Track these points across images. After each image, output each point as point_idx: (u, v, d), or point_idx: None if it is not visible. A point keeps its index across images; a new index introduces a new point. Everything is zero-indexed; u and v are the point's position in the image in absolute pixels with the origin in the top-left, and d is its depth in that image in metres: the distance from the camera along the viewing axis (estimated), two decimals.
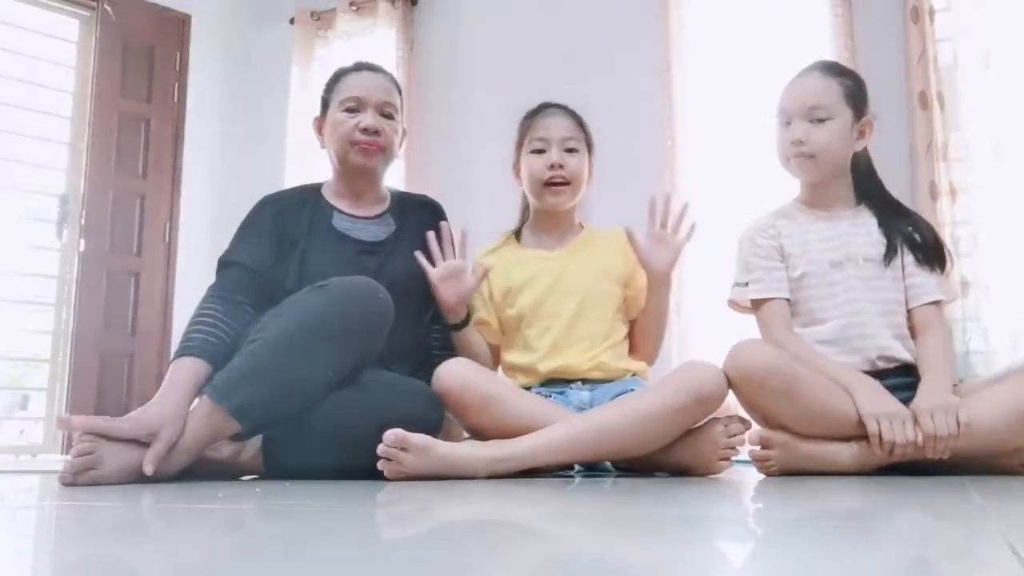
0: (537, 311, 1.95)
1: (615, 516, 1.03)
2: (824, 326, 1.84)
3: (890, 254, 1.85)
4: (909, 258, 1.86)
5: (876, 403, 1.66)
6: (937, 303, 1.85)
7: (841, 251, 1.87)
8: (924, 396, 1.67)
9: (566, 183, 1.94)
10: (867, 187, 1.95)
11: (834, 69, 1.93)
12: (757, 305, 1.91)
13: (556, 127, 1.96)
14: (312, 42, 4.17)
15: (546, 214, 2.01)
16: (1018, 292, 2.71)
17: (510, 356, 2.01)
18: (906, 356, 1.81)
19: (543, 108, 2.02)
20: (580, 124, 2.00)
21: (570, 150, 1.95)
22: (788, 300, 1.89)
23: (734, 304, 1.98)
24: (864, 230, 1.89)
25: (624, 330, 2.00)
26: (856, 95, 1.89)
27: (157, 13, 4.16)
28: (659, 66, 3.33)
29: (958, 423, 1.59)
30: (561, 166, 1.93)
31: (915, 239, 1.87)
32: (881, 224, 1.89)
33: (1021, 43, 2.81)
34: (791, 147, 1.87)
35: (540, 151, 1.95)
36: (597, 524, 0.96)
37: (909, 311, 1.85)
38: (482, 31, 3.88)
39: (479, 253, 2.06)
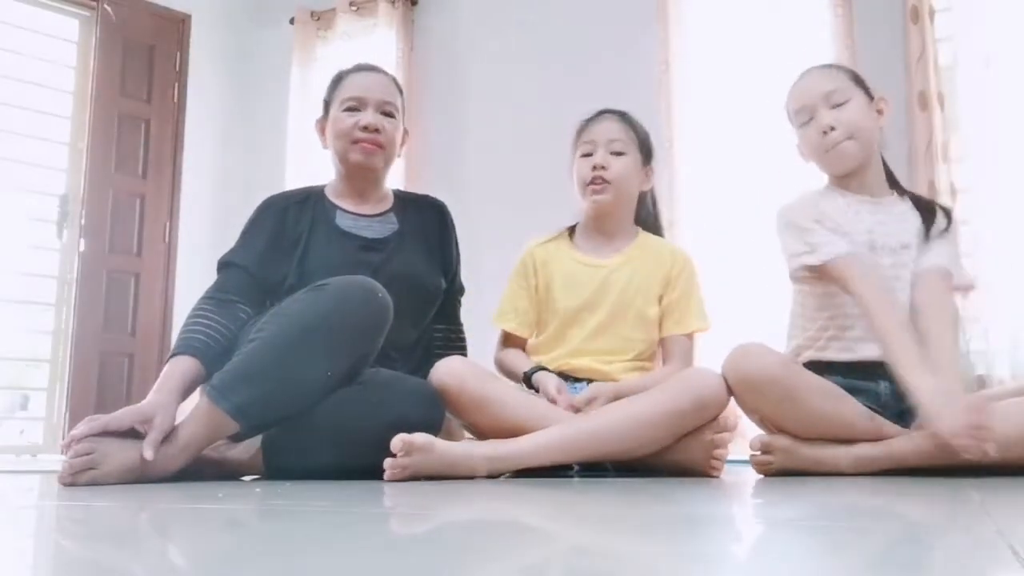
0: (570, 317, 1.96)
1: (614, 515, 1.03)
2: (845, 307, 1.81)
3: (928, 236, 1.83)
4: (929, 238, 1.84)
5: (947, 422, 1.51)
6: (946, 274, 1.80)
7: (882, 237, 1.84)
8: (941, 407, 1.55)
9: (606, 183, 1.95)
10: (895, 180, 1.94)
11: (830, 64, 1.94)
12: (826, 268, 1.77)
13: (604, 130, 1.99)
14: (312, 42, 4.17)
15: (594, 216, 2.02)
16: (1018, 292, 2.71)
17: (534, 343, 2.02)
18: None
19: (598, 114, 2.04)
20: (632, 127, 2.01)
21: (616, 153, 1.96)
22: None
23: (795, 277, 1.87)
24: (901, 218, 1.87)
25: (645, 347, 1.97)
26: (859, 79, 1.90)
27: (157, 13, 4.17)
28: (658, 66, 3.33)
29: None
30: (603, 167, 1.95)
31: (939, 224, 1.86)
32: (919, 211, 1.87)
33: (1021, 43, 2.81)
34: (822, 138, 1.83)
35: (588, 154, 1.98)
36: (596, 523, 0.96)
37: (913, 281, 1.80)
38: (482, 31, 3.88)
39: (533, 242, 2.07)
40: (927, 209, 1.89)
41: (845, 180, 1.89)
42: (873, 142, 1.88)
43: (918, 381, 1.59)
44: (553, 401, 1.77)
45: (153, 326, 4.00)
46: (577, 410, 1.76)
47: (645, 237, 2.05)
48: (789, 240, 1.87)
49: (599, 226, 2.04)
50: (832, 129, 1.82)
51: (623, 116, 2.02)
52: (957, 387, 1.63)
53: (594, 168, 1.95)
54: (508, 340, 2.04)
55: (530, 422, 1.67)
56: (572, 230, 2.09)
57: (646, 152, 2.02)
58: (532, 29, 3.74)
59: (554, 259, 2.02)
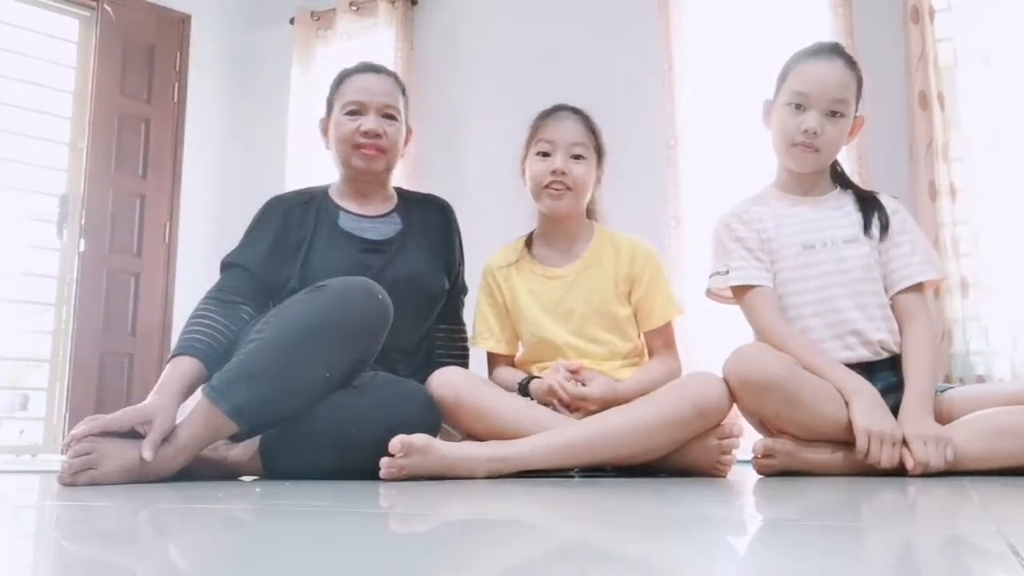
0: (539, 334, 1.93)
1: (613, 514, 1.03)
2: (798, 310, 1.84)
3: (868, 227, 1.85)
4: (887, 236, 1.85)
5: (872, 419, 1.63)
6: (918, 286, 1.83)
7: (818, 234, 1.86)
8: (912, 417, 1.65)
9: (567, 188, 1.88)
10: (839, 174, 1.96)
11: (850, 59, 1.88)
12: (740, 293, 1.87)
13: (565, 131, 1.90)
14: (312, 42, 4.17)
15: (550, 218, 1.96)
16: (1018, 292, 2.71)
17: (518, 359, 2.01)
18: (879, 337, 1.80)
19: (555, 110, 1.95)
20: (591, 130, 1.93)
21: (577, 156, 1.89)
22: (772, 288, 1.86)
23: (713, 294, 1.96)
24: (843, 212, 1.89)
25: (630, 345, 1.95)
26: (860, 90, 1.88)
27: (157, 13, 4.17)
28: (661, 66, 3.33)
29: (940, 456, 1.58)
30: (563, 172, 1.87)
31: (890, 218, 1.87)
32: (859, 204, 1.89)
33: (1021, 43, 2.81)
34: (801, 135, 1.82)
35: (546, 154, 1.90)
36: (595, 522, 0.96)
37: (892, 299, 1.83)
38: (482, 31, 3.89)
39: (495, 259, 2.02)
40: (868, 205, 1.88)
41: (793, 178, 1.92)
42: (834, 156, 1.91)
43: (848, 380, 1.70)
44: (552, 399, 1.76)
45: (153, 326, 4.00)
46: (573, 408, 1.76)
47: (602, 234, 1.99)
48: (712, 257, 1.95)
49: (556, 228, 1.97)
50: (815, 135, 1.81)
51: (582, 116, 1.95)
52: (923, 400, 1.70)
53: (553, 172, 1.87)
54: (495, 358, 2.01)
55: (529, 430, 1.66)
56: (529, 239, 2.02)
57: (600, 153, 1.95)
58: (533, 29, 3.74)
59: (515, 275, 1.98)
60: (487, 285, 2.01)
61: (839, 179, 1.96)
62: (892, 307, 1.84)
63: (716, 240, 1.95)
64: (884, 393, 1.72)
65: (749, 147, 3.13)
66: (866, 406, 1.65)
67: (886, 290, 1.85)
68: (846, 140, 1.90)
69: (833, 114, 1.82)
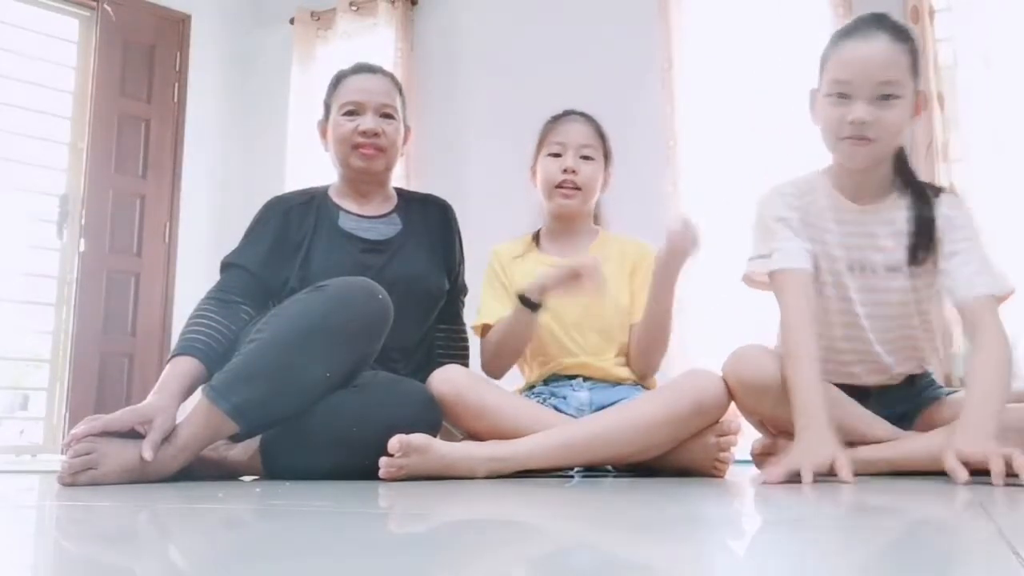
0: (546, 319, 1.93)
1: (613, 515, 1.03)
2: (827, 329, 1.73)
3: (917, 254, 1.67)
4: (939, 251, 1.66)
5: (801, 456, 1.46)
6: (979, 299, 1.60)
7: (859, 253, 1.71)
8: (963, 433, 1.44)
9: (576, 188, 1.96)
10: (902, 170, 1.73)
11: (899, 32, 1.62)
12: (776, 277, 1.70)
13: (575, 133, 1.98)
14: (312, 42, 4.17)
15: (559, 217, 2.02)
16: (1018, 293, 2.71)
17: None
18: (901, 370, 1.76)
19: (565, 115, 2.04)
20: (599, 133, 2.02)
21: (586, 157, 1.97)
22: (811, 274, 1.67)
23: (750, 280, 1.81)
24: (893, 228, 1.69)
25: (626, 341, 1.97)
26: (916, 66, 1.63)
27: (157, 13, 4.17)
28: (660, 66, 3.33)
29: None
30: (574, 171, 1.95)
31: (939, 233, 1.67)
32: (914, 219, 1.68)
33: (1021, 43, 2.81)
34: (848, 127, 1.59)
35: (556, 155, 1.98)
36: (595, 523, 0.96)
37: (958, 309, 1.66)
38: (482, 31, 3.89)
39: (502, 247, 2.06)
40: (921, 219, 1.68)
41: (843, 169, 1.72)
42: (894, 147, 1.69)
43: (803, 414, 1.54)
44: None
45: (153, 326, 4.00)
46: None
47: (605, 235, 2.06)
48: (754, 239, 1.78)
49: (564, 227, 2.03)
50: (864, 124, 1.59)
51: (591, 120, 2.03)
52: (976, 420, 1.47)
53: (565, 171, 1.95)
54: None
55: (529, 428, 1.67)
56: (536, 236, 2.07)
57: (608, 156, 2.03)
58: (532, 29, 3.74)
59: (520, 261, 2.02)
60: (491, 268, 2.05)
61: (901, 175, 1.72)
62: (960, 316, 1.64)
63: (760, 217, 1.76)
64: (897, 402, 1.72)
65: (749, 147, 3.14)
66: (802, 446, 1.50)
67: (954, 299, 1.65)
68: (909, 122, 1.65)
69: (885, 98, 1.58)
